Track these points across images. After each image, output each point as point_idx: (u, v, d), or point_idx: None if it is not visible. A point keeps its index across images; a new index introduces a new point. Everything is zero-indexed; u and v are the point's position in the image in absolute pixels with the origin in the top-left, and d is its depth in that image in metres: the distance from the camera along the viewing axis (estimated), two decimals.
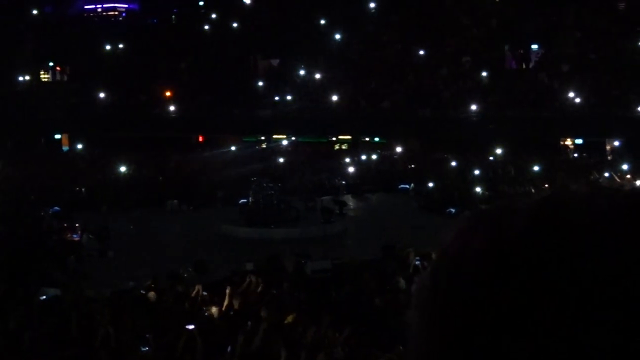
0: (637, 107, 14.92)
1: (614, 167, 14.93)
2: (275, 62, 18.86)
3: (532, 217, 0.56)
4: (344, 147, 19.12)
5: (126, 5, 19.40)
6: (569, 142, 17.43)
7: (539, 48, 17.45)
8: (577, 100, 15.34)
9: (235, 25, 17.96)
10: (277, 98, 18.17)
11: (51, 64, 18.53)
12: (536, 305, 0.52)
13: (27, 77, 17.50)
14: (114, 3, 19.44)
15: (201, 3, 18.75)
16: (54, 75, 19.27)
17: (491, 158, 16.12)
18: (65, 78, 19.17)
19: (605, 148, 15.92)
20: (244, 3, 17.92)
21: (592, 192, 0.57)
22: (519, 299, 0.52)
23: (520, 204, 0.58)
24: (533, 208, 0.57)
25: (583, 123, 15.46)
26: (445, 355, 0.55)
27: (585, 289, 0.52)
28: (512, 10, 17.37)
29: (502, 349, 0.52)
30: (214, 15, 18.38)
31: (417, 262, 11.49)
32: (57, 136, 17.79)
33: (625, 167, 14.57)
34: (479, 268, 0.54)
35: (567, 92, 15.43)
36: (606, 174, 14.93)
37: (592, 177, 14.99)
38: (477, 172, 15.71)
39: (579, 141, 16.85)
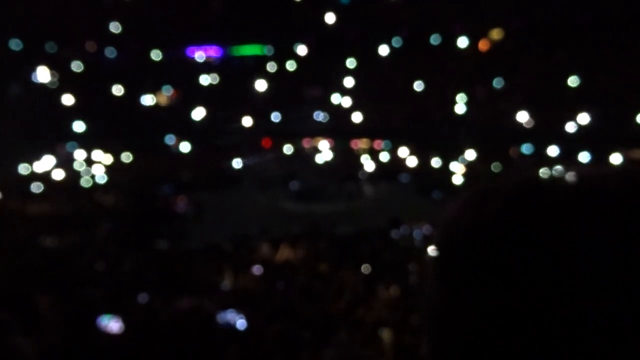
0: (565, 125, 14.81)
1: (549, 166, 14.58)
2: (317, 90, 18.78)
3: (508, 197, 0.50)
4: (362, 149, 18.97)
5: (217, 56, 19.43)
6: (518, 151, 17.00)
7: (501, 82, 17.10)
8: (524, 120, 15.22)
9: (293, 67, 17.95)
10: (319, 115, 18.33)
11: (167, 90, 18.56)
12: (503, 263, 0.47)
13: (151, 97, 17.55)
14: (210, 49, 19.42)
15: (267, 52, 18.66)
16: (169, 98, 19.33)
17: (465, 159, 15.85)
18: (176, 100, 19.24)
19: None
20: (297, 53, 17.81)
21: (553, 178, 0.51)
22: (492, 256, 0.48)
23: (501, 185, 0.52)
24: (510, 189, 0.51)
25: (525, 136, 15.53)
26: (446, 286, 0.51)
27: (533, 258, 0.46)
28: (480, 56, 17.15)
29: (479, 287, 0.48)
30: (274, 59, 18.43)
31: (414, 231, 11.35)
32: (170, 140, 17.80)
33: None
34: (466, 235, 0.50)
35: (516, 115, 15.21)
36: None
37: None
38: (454, 168, 15.52)
39: (527, 150, 16.46)
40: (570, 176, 0.51)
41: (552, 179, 0.51)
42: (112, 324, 4.59)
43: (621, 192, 0.46)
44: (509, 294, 0.46)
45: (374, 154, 17.86)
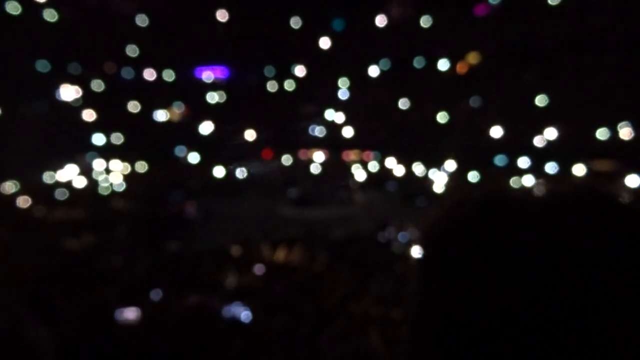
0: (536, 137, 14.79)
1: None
2: (313, 107, 18.82)
3: (476, 206, 0.52)
4: (353, 159, 18.98)
5: (223, 76, 19.39)
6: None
7: (477, 100, 17.15)
8: (498, 134, 15.26)
9: (291, 86, 18.00)
10: (315, 129, 18.32)
11: (178, 107, 18.52)
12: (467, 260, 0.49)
13: (164, 113, 17.51)
14: (217, 70, 19.40)
15: (268, 74, 18.66)
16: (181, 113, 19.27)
17: (446, 169, 15.84)
18: (186, 115, 19.21)
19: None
20: (296, 75, 17.88)
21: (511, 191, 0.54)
22: (459, 256, 0.50)
23: (473, 196, 0.54)
24: (478, 200, 0.53)
25: (499, 149, 15.54)
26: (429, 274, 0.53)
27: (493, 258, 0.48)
28: (459, 77, 17.22)
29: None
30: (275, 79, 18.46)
31: (399, 234, 11.34)
32: (180, 151, 17.76)
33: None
34: (440, 238, 0.53)
35: (491, 129, 15.23)
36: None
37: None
38: (435, 177, 15.52)
39: (501, 161, 16.45)
40: (532, 190, 0.54)
41: (516, 191, 0.54)
42: (129, 312, 4.56)
43: (568, 207, 0.50)
44: (470, 287, 0.48)
45: (363, 164, 17.89)
